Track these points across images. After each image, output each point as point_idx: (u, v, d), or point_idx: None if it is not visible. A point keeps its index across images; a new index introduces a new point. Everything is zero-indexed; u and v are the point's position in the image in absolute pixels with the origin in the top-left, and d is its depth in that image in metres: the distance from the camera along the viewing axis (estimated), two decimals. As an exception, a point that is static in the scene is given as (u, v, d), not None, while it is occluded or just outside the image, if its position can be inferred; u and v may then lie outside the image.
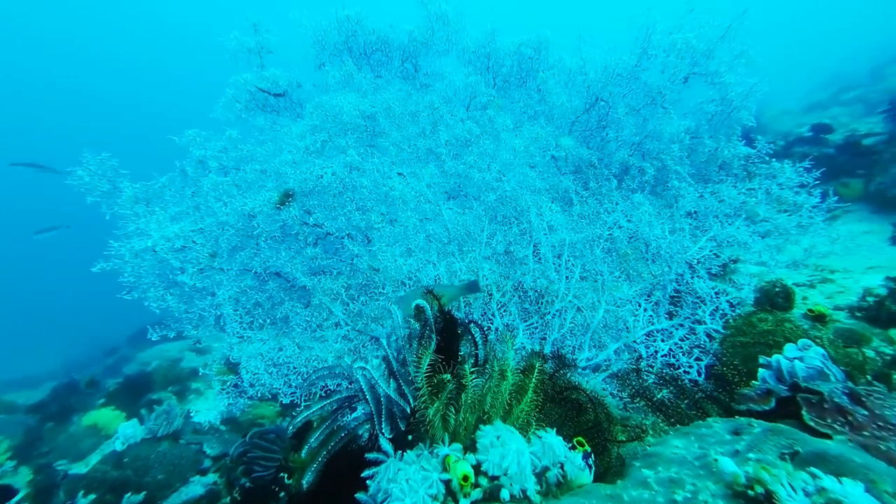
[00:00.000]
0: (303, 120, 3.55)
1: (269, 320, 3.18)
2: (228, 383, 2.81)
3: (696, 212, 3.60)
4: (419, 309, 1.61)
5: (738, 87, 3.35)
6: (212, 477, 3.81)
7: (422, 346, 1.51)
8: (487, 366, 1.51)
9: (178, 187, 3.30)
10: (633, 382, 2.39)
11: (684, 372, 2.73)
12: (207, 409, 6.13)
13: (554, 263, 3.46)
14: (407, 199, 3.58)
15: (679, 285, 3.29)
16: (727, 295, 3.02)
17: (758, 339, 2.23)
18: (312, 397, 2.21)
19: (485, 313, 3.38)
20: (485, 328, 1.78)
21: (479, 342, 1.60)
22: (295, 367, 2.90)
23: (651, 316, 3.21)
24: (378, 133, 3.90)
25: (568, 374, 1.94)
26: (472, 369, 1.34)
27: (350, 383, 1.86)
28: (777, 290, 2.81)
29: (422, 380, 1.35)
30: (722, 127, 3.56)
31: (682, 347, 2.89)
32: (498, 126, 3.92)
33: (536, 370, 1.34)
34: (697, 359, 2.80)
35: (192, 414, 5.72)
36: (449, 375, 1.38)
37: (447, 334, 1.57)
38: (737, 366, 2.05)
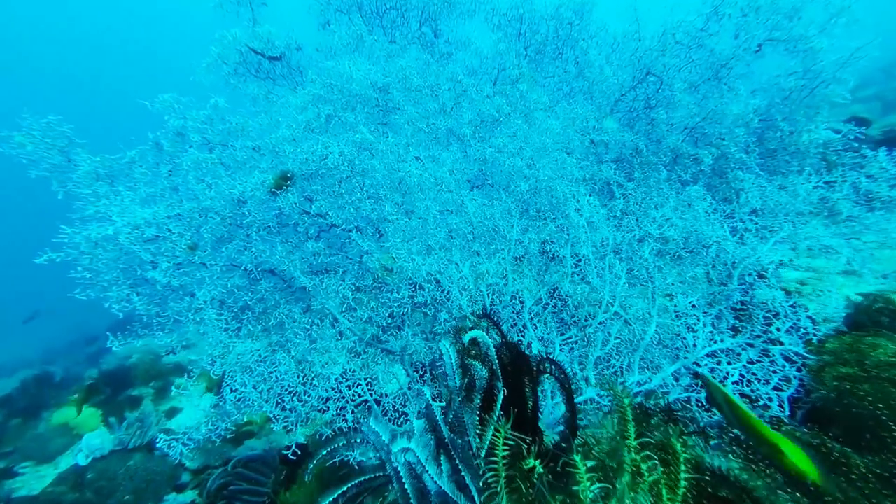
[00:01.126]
0: (303, 89, 2.95)
1: (260, 327, 2.66)
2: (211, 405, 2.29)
3: (762, 209, 3.09)
4: (474, 343, 1.09)
5: (831, 55, 2.79)
6: (190, 495, 3.34)
7: (484, 401, 0.99)
8: (585, 439, 1.00)
9: (151, 164, 2.73)
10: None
11: (764, 406, 2.26)
12: (193, 406, 5.67)
13: (596, 267, 2.95)
14: (426, 186, 3.03)
15: (744, 295, 2.80)
16: (807, 309, 2.53)
17: (882, 372, 1.76)
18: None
19: (514, 324, 2.88)
20: (557, 369, 1.31)
21: (566, 396, 1.09)
22: (290, 387, 2.39)
23: (712, 332, 2.72)
24: (391, 109, 3.32)
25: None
26: (582, 462, 0.83)
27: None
28: (879, 306, 2.33)
29: (492, 467, 0.84)
30: (800, 107, 3.02)
31: (756, 374, 2.41)
32: (531, 103, 3.35)
33: (683, 462, 0.83)
34: (777, 388, 2.33)
35: (172, 414, 5.24)
36: (534, 461, 0.87)
37: (515, 379, 1.06)
38: (879, 413, 1.57)
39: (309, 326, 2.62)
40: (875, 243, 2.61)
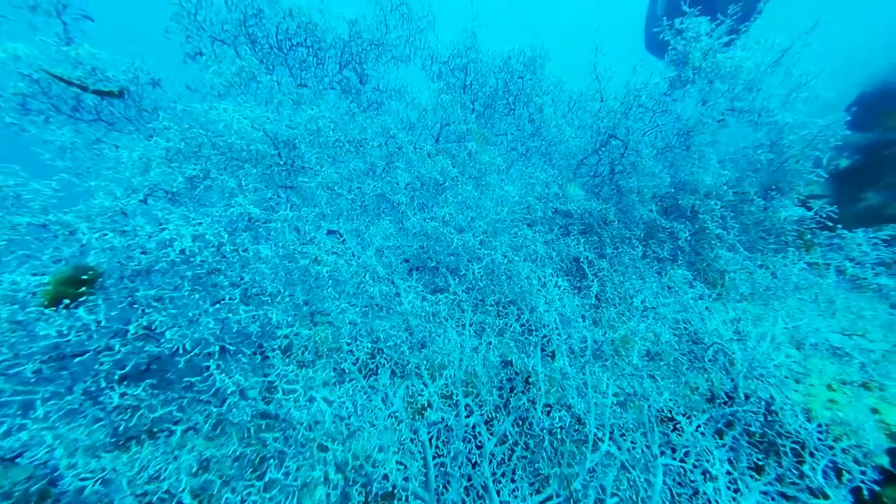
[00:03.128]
0: (157, 139, 2.00)
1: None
2: None
3: (751, 293, 2.64)
4: None
5: (800, 130, 2.53)
6: None
7: None
8: None
9: None
10: None
11: None
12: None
13: (575, 381, 2.20)
14: (341, 276, 2.15)
15: (755, 413, 2.19)
16: (847, 439, 1.96)
17: None
18: None
19: (471, 480, 1.95)
20: None
21: None
22: None
23: (730, 474, 2.03)
24: (300, 168, 2.47)
25: None
26: None
27: None
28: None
29: None
30: (772, 180, 2.72)
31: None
32: (482, 165, 2.71)
33: None
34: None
35: None
36: None
37: None
38: None
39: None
40: (883, 341, 2.18)
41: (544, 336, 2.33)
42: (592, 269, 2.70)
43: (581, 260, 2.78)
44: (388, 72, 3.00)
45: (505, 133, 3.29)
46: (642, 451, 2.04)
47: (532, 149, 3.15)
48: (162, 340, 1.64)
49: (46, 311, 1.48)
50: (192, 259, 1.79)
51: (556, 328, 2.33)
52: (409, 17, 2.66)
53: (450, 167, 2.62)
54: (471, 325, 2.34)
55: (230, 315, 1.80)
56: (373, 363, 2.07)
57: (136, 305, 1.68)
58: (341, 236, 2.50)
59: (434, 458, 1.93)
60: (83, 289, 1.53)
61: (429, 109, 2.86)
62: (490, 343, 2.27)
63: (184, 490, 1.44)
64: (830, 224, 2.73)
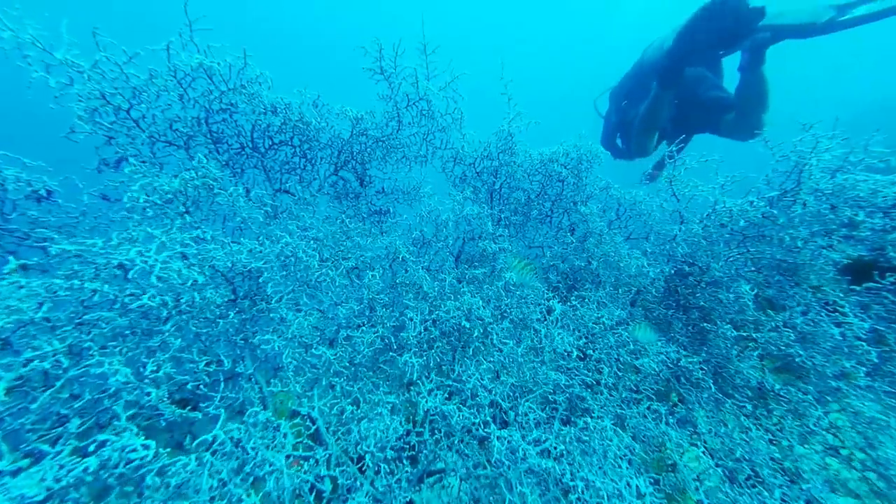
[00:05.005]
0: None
1: None
2: None
3: None
4: None
5: None
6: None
7: None
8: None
9: None
10: None
11: None
12: None
13: None
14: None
15: None
16: None
17: None
18: None
19: None
20: None
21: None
22: None
23: None
24: (260, 316, 1.66)
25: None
26: None
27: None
28: None
29: None
30: None
31: None
32: (526, 302, 1.95)
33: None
34: None
35: None
36: None
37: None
38: None
39: None
40: None
41: None
42: None
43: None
44: (398, 171, 2.37)
45: (541, 246, 2.60)
46: None
47: (579, 270, 2.43)
48: None
49: None
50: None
51: None
52: (430, 114, 2.08)
53: (479, 306, 1.83)
54: None
55: None
56: None
57: None
58: (313, 423, 1.60)
59: None
60: None
61: (449, 222, 2.17)
62: None
63: None
64: None
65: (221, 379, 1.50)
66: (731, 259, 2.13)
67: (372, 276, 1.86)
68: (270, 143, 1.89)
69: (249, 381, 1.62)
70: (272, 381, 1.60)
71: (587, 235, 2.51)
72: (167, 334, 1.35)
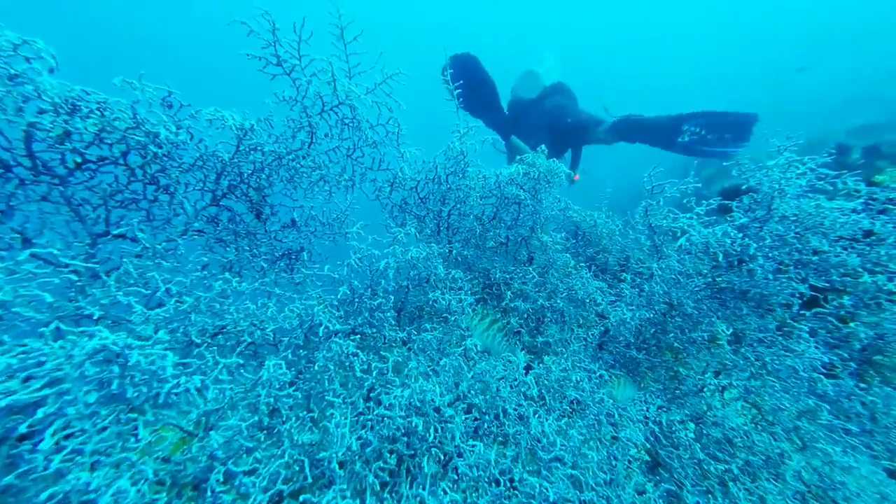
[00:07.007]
0: None
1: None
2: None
3: None
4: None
5: None
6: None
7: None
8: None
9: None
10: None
11: None
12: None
13: None
14: None
15: None
16: None
17: None
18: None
19: None
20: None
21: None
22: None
23: None
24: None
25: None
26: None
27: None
28: None
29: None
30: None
31: None
32: (499, 382, 1.52)
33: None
34: None
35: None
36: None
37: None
38: None
39: None
40: None
41: None
42: None
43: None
44: (314, 197, 1.74)
45: (499, 283, 2.21)
46: None
47: (541, 309, 2.09)
48: None
49: None
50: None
51: None
52: (355, 124, 1.51)
53: (436, 395, 1.35)
54: None
55: None
56: None
57: None
58: None
59: None
60: None
61: (389, 270, 1.63)
62: None
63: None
64: None
65: None
66: (697, 290, 1.98)
67: (276, 364, 1.25)
68: (81, 159, 1.13)
69: None
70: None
71: (548, 267, 2.19)
72: None
